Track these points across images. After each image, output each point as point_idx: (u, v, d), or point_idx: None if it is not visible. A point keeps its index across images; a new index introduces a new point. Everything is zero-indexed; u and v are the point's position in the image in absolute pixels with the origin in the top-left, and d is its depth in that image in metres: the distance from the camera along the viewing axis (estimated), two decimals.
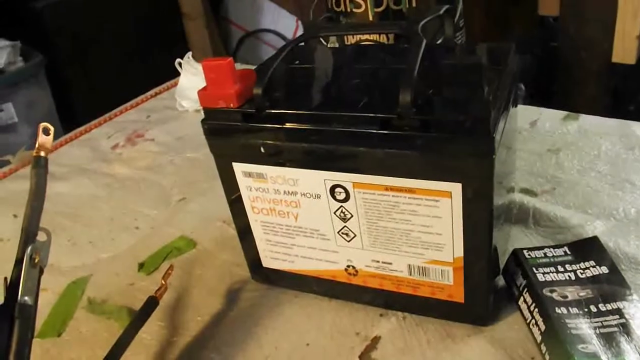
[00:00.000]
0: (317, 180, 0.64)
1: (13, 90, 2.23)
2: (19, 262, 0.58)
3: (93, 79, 2.52)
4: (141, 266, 0.87)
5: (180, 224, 0.95)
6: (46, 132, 0.64)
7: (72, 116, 2.34)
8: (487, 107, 0.54)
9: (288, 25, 3.09)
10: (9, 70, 2.22)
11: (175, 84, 1.41)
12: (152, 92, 1.49)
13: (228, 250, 0.86)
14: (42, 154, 0.64)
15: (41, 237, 0.60)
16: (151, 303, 0.72)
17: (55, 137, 1.34)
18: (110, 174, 1.15)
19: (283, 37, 3.07)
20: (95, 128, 1.36)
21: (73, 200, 1.08)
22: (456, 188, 0.57)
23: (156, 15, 2.75)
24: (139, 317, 0.70)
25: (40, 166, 0.63)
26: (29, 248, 0.58)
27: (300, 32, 3.08)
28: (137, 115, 1.40)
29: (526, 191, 0.88)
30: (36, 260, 0.58)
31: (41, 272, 0.59)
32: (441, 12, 0.68)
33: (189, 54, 1.36)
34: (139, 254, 0.90)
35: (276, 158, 0.64)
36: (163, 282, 0.75)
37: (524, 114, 1.07)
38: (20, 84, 2.24)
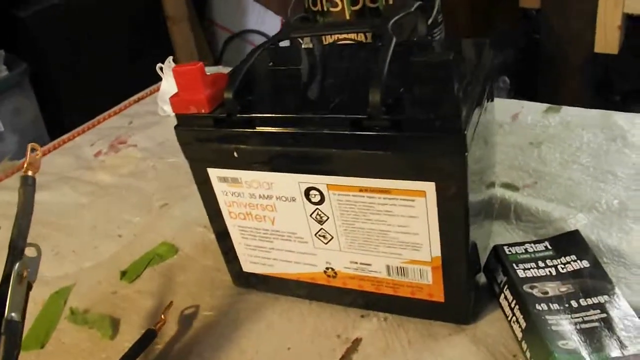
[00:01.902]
0: (291, 183, 0.63)
1: None
2: (6, 278, 0.58)
3: (79, 86, 2.50)
4: (123, 274, 0.87)
5: (162, 230, 0.95)
6: (34, 151, 0.65)
7: (59, 124, 2.33)
8: (457, 104, 0.53)
9: (274, 25, 3.08)
10: None
11: (158, 89, 1.40)
12: (134, 97, 1.48)
13: (209, 255, 0.86)
14: (30, 173, 0.64)
15: (31, 252, 0.61)
16: (149, 335, 0.72)
17: (42, 145, 1.34)
18: (93, 182, 1.15)
19: (269, 38, 3.05)
20: (78, 135, 1.35)
21: (56, 209, 1.07)
22: (430, 187, 0.57)
23: (140, 19, 2.73)
24: (136, 348, 0.70)
25: (27, 184, 0.64)
26: (17, 264, 0.58)
27: None
28: (120, 121, 1.39)
29: (507, 186, 0.88)
30: (24, 276, 0.58)
31: (29, 287, 0.59)
32: (412, 9, 0.67)
33: (170, 58, 1.35)
34: (121, 261, 0.90)
35: (250, 162, 0.64)
36: (163, 317, 0.75)
37: (505, 108, 1.06)
38: (4, 93, 2.23)
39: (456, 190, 0.57)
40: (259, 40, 3.06)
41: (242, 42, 3.11)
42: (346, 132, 0.57)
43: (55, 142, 1.33)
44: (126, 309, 0.80)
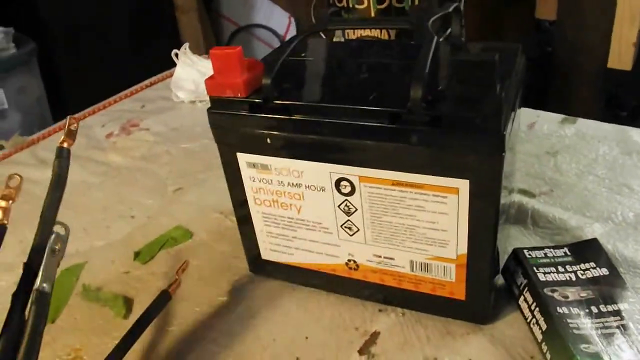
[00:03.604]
0: (322, 172, 0.63)
1: (4, 76, 2.21)
2: (36, 249, 0.58)
3: (84, 68, 2.51)
4: (137, 255, 0.87)
5: (176, 214, 0.95)
6: (71, 123, 0.66)
7: (62, 104, 2.33)
8: (499, 104, 0.54)
9: (281, 21, 3.09)
10: (1, 56, 2.21)
11: (170, 75, 1.41)
12: (146, 82, 1.48)
13: (225, 241, 0.86)
14: (65, 145, 0.65)
15: (59, 230, 0.60)
16: (163, 297, 0.72)
17: (45, 125, 1.34)
18: (105, 162, 1.15)
19: (275, 33, 3.06)
20: (89, 116, 1.35)
21: (67, 187, 1.06)
22: (464, 185, 0.57)
23: (149, 6, 2.74)
24: (150, 311, 0.70)
25: (62, 157, 0.64)
26: (52, 237, 0.58)
27: (292, 28, 3.08)
28: (132, 104, 1.39)
29: (524, 192, 0.88)
30: (57, 248, 0.58)
31: (57, 264, 0.59)
32: (450, 9, 0.68)
33: (186, 45, 1.35)
34: (134, 242, 0.90)
35: (282, 149, 0.64)
36: (177, 276, 0.75)
37: (521, 116, 1.07)
38: (11, 70, 2.23)
39: (489, 190, 0.57)
40: (265, 34, 3.07)
41: (248, 36, 3.12)
42: (384, 125, 0.57)
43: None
44: (139, 289, 0.81)
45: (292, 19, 3.09)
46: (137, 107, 1.37)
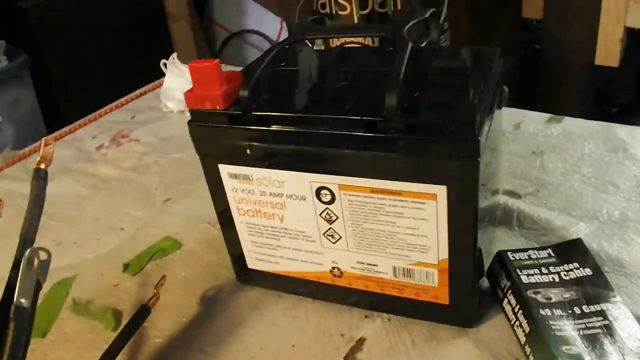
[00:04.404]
0: (302, 182, 0.64)
1: None
2: (16, 265, 0.59)
3: (77, 79, 2.51)
4: (126, 267, 0.87)
5: (165, 225, 0.95)
6: (47, 144, 0.67)
7: (56, 116, 2.33)
8: (472, 110, 0.54)
9: (273, 26, 3.10)
10: None
11: (160, 85, 1.41)
12: (136, 92, 1.49)
13: (213, 251, 0.87)
14: (42, 166, 0.66)
15: (42, 255, 0.61)
16: (143, 311, 0.73)
17: (39, 138, 1.34)
18: (95, 175, 1.15)
19: (268, 39, 3.07)
20: (80, 128, 1.35)
21: (58, 200, 1.07)
22: (441, 190, 0.58)
23: (141, 15, 2.74)
24: (130, 325, 0.71)
25: (40, 177, 0.65)
26: (28, 251, 0.58)
27: (284, 33, 3.09)
28: (122, 115, 1.40)
29: (510, 193, 0.89)
30: (35, 263, 0.58)
31: (39, 286, 0.59)
32: (427, 15, 0.68)
33: (174, 54, 1.35)
34: (124, 254, 0.90)
35: (262, 160, 0.65)
36: (155, 291, 0.75)
37: (507, 117, 1.07)
38: (4, 83, 2.22)
39: (467, 195, 0.58)
40: (257, 40, 3.07)
41: (240, 42, 3.12)
42: (361, 134, 0.58)
43: (57, 133, 1.34)
44: (129, 301, 0.81)
45: (284, 24, 3.10)
46: (127, 117, 1.37)
